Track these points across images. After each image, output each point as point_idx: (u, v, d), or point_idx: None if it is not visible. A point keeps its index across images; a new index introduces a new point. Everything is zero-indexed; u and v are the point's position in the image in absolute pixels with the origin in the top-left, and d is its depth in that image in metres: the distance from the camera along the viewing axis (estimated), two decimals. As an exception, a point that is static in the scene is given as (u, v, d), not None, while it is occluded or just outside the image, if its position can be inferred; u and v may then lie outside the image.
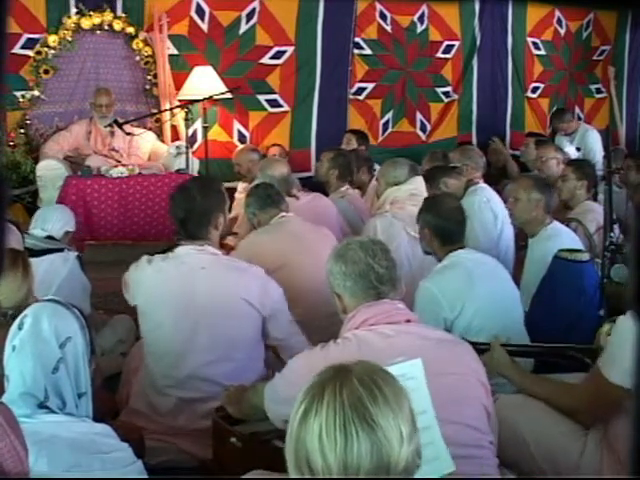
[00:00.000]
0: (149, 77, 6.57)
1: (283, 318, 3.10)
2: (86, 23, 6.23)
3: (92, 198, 5.53)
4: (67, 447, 1.90)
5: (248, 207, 3.96)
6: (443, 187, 4.58)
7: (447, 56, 8.05)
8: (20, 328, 2.01)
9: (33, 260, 3.11)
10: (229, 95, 6.42)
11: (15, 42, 5.93)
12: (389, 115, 7.80)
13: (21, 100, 6.09)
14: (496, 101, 8.39)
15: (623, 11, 8.42)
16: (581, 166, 4.95)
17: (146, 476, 2.09)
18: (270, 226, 3.85)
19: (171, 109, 6.32)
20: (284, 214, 3.88)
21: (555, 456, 2.57)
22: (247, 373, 2.98)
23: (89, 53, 6.40)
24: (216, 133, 6.90)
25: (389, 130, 7.83)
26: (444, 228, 3.34)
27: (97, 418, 2.09)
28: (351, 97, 7.56)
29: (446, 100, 8.09)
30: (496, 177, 6.68)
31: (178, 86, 6.52)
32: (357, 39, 7.47)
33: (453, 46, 8.05)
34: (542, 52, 8.64)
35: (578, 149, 6.91)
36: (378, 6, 7.57)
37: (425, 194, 4.19)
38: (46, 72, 6.19)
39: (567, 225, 4.27)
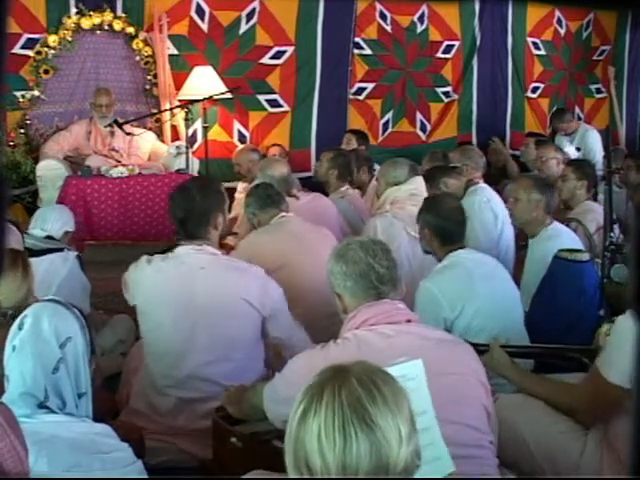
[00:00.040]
0: (149, 77, 6.57)
1: (283, 318, 3.10)
2: (86, 23, 6.23)
3: (92, 198, 5.53)
4: (67, 447, 1.90)
5: (248, 207, 3.96)
6: (443, 187, 4.58)
7: (447, 56, 8.05)
8: (20, 328, 2.01)
9: (33, 260, 3.12)
10: (229, 95, 6.42)
11: (15, 42, 5.93)
12: (389, 115, 7.80)
13: (21, 100, 6.09)
14: (496, 101, 8.39)
15: (623, 11, 8.43)
16: (581, 166, 4.95)
17: (146, 476, 2.09)
18: (270, 226, 3.85)
19: (171, 109, 6.32)
20: (284, 214, 3.88)
21: (555, 456, 2.57)
22: (247, 373, 2.98)
23: (89, 53, 6.40)
24: (216, 133, 6.90)
25: (389, 130, 7.83)
26: (444, 228, 3.34)
27: (97, 418, 2.09)
28: (351, 97, 7.56)
29: (446, 100, 8.09)
30: (496, 177, 6.68)
31: (178, 86, 6.52)
32: (357, 39, 7.47)
33: (453, 46, 8.05)
34: (542, 52, 8.65)
35: (578, 149, 6.91)
36: (378, 6, 7.57)
37: (425, 194, 4.19)
38: (46, 72, 6.19)
39: (567, 225, 4.27)
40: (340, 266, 2.23)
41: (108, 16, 6.28)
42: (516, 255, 4.67)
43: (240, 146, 6.63)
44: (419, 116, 7.97)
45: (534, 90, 8.65)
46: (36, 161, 5.95)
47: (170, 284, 3.04)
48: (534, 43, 8.58)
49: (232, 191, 5.53)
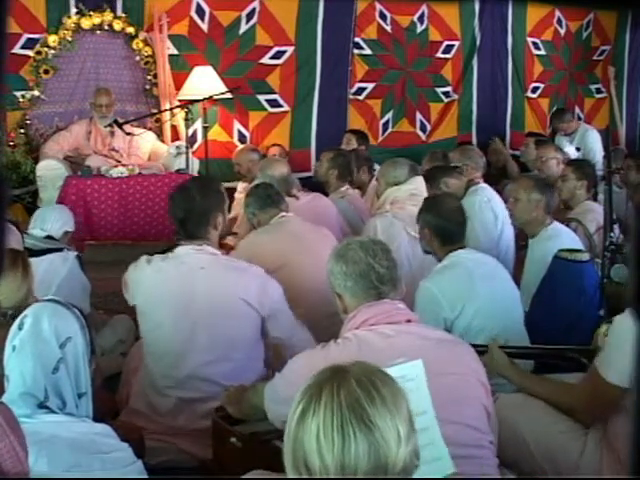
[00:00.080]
0: (149, 77, 6.57)
1: (283, 318, 3.10)
2: (86, 23, 6.23)
3: (92, 198, 5.53)
4: (67, 447, 1.90)
5: (248, 207, 3.96)
6: (444, 187, 4.57)
7: (447, 56, 8.05)
8: (20, 328, 2.01)
9: (33, 260, 3.12)
10: (229, 95, 6.42)
11: (15, 42, 5.93)
12: (389, 115, 7.80)
13: (21, 100, 6.09)
14: (496, 101, 8.39)
15: (623, 11, 8.42)
16: (581, 166, 4.95)
17: (146, 476, 2.09)
18: (270, 226, 3.85)
19: (171, 109, 6.32)
20: (284, 214, 3.88)
21: (555, 455, 2.57)
22: (247, 373, 2.98)
23: (89, 53, 6.40)
24: (216, 133, 6.90)
25: (389, 130, 7.83)
26: (444, 228, 3.34)
27: (97, 418, 2.09)
28: (351, 97, 7.56)
29: (446, 100, 8.09)
30: (496, 177, 6.68)
31: (178, 86, 6.52)
32: (357, 39, 7.47)
33: (453, 46, 8.05)
34: (542, 52, 8.64)
35: (578, 149, 6.91)
36: (378, 6, 7.57)
37: (425, 194, 4.19)
38: (46, 72, 6.19)
39: (567, 225, 4.27)
40: (340, 266, 2.23)
41: (108, 16, 6.28)
42: (516, 255, 4.67)
43: (240, 146, 6.63)
44: (419, 116, 7.97)
45: (534, 90, 8.65)
46: (36, 161, 5.95)
47: (170, 284, 3.04)
48: (534, 43, 8.58)
49: (232, 191, 5.53)
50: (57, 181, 5.64)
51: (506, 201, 4.46)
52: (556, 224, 4.02)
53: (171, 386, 3.04)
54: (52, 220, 4.08)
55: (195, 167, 6.12)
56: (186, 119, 5.95)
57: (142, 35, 6.46)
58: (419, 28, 7.83)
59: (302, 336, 3.13)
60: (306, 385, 1.38)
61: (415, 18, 7.80)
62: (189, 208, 3.08)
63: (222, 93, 6.29)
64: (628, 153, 7.03)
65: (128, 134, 6.08)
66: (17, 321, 2.05)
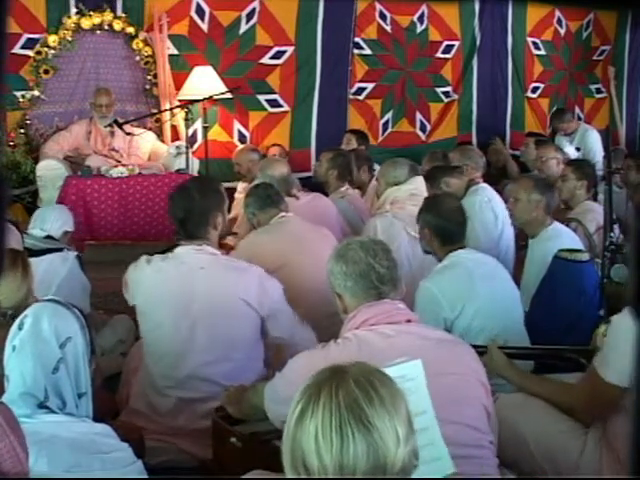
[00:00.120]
0: (149, 77, 6.58)
1: (283, 317, 3.10)
2: (86, 23, 6.23)
3: (92, 198, 5.53)
4: (67, 447, 1.90)
5: (248, 207, 3.96)
6: (444, 187, 4.57)
7: (447, 56, 8.05)
8: (20, 328, 2.01)
9: (32, 260, 3.11)
10: (229, 95, 6.42)
11: (15, 42, 5.93)
12: (389, 115, 7.80)
13: (21, 100, 6.09)
14: (496, 101, 8.39)
15: (623, 11, 8.42)
16: (581, 166, 4.95)
17: (146, 476, 2.09)
18: (270, 226, 3.85)
19: (171, 109, 6.32)
20: (284, 214, 3.88)
21: (555, 455, 2.57)
22: (246, 373, 2.98)
23: (89, 53, 6.41)
24: (216, 133, 6.90)
25: (389, 130, 7.83)
26: (444, 228, 3.34)
27: (97, 418, 2.09)
28: (351, 97, 7.56)
29: (446, 100, 8.09)
30: (496, 177, 6.68)
31: (178, 86, 6.52)
32: (357, 39, 7.48)
33: (453, 46, 8.05)
34: (542, 52, 8.65)
35: (578, 149, 6.91)
36: (378, 6, 7.57)
37: (425, 194, 4.18)
38: (46, 72, 6.19)
39: (567, 225, 4.27)
40: (340, 266, 2.23)
41: (108, 16, 6.29)
42: (516, 255, 4.67)
43: (240, 146, 6.63)
44: (419, 116, 7.97)
45: (534, 90, 8.65)
46: (36, 161, 5.95)
47: (170, 284, 3.04)
48: (534, 43, 8.58)
49: (232, 191, 5.53)
50: (57, 181, 5.64)
51: (506, 201, 4.46)
52: (556, 224, 4.02)
53: (171, 386, 3.04)
54: (52, 220, 4.07)
55: (195, 167, 6.12)
56: (186, 119, 5.95)
57: (142, 35, 6.46)
58: (419, 28, 7.83)
59: (303, 335, 3.13)
60: (305, 385, 1.38)
61: (415, 18, 7.80)
62: (189, 208, 3.08)
63: (222, 93, 6.29)
64: (628, 153, 7.03)
65: (128, 134, 6.08)
66: (17, 321, 2.05)
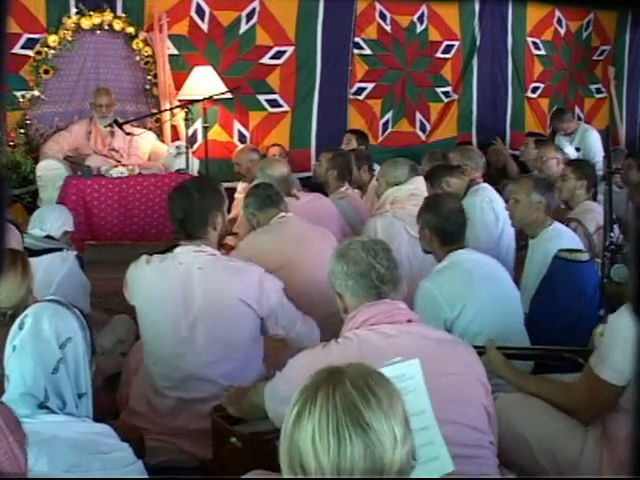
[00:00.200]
0: (149, 77, 6.58)
1: (283, 315, 3.09)
2: (86, 23, 6.23)
3: (92, 198, 5.53)
4: (67, 447, 1.90)
5: (247, 207, 3.95)
6: (445, 186, 4.57)
7: (447, 56, 8.05)
8: (21, 328, 2.01)
9: (32, 260, 3.11)
10: (229, 95, 6.42)
11: (15, 42, 5.93)
12: (389, 115, 7.80)
13: (21, 100, 6.09)
14: (496, 101, 8.39)
15: (623, 11, 8.42)
16: (581, 166, 4.95)
17: (146, 476, 2.08)
18: (270, 226, 3.85)
19: (171, 109, 6.32)
20: (284, 214, 3.88)
21: (555, 454, 2.57)
22: (246, 372, 2.98)
23: (89, 53, 6.41)
24: (216, 133, 6.90)
25: (389, 130, 7.83)
26: (444, 228, 3.34)
27: (97, 418, 2.09)
28: (351, 97, 7.56)
29: (446, 100, 8.09)
30: (496, 177, 6.67)
31: (178, 86, 6.53)
32: (357, 39, 7.48)
33: (453, 46, 8.05)
34: (542, 52, 8.65)
35: (578, 149, 6.91)
36: (378, 6, 7.57)
37: (425, 194, 4.18)
38: (46, 72, 6.19)
39: (567, 225, 4.26)
40: (341, 266, 2.23)
41: (108, 16, 6.29)
42: (516, 255, 4.66)
43: (240, 146, 6.63)
44: (419, 116, 7.97)
45: (534, 90, 8.66)
46: (36, 161, 5.95)
47: (169, 284, 3.04)
48: (534, 43, 8.58)
49: (232, 191, 5.53)
50: (57, 181, 5.64)
51: (507, 201, 4.45)
52: (556, 224, 4.01)
53: (171, 386, 3.04)
54: (51, 220, 4.07)
55: (195, 167, 6.12)
56: (186, 119, 5.95)
57: (142, 35, 6.46)
58: (419, 28, 7.84)
59: (302, 329, 3.14)
60: (302, 386, 1.38)
61: (415, 18, 7.81)
62: (188, 208, 3.07)
63: (222, 93, 6.29)
64: (628, 153, 7.02)
65: (128, 134, 6.08)
66: (17, 321, 2.05)
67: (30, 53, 6.10)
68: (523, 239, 4.35)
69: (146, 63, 6.53)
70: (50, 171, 5.77)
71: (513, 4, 8.09)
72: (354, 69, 7.52)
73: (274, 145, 6.99)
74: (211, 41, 6.80)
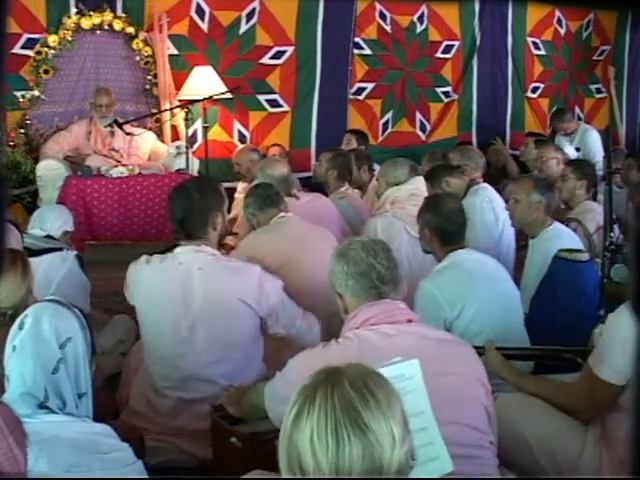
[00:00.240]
0: (149, 77, 6.58)
1: (283, 315, 3.09)
2: (86, 23, 6.23)
3: (92, 198, 5.53)
4: (67, 447, 1.90)
5: (247, 207, 3.95)
6: (445, 186, 4.56)
7: (447, 56, 8.05)
8: (21, 328, 2.01)
9: (32, 260, 3.11)
10: (229, 95, 6.42)
11: (15, 42, 5.93)
12: (389, 115, 7.80)
13: (21, 100, 6.09)
14: (496, 101, 8.39)
15: (623, 11, 8.42)
16: (581, 166, 4.95)
17: (146, 476, 2.08)
18: (270, 226, 3.85)
19: (171, 109, 6.32)
20: (284, 214, 3.88)
21: (555, 454, 2.57)
22: (246, 372, 2.98)
23: (89, 53, 6.41)
24: (216, 133, 6.90)
25: (389, 130, 7.83)
26: (444, 228, 3.34)
27: (97, 418, 2.09)
28: (351, 97, 7.57)
29: (446, 100, 8.09)
30: (496, 177, 6.67)
31: (178, 86, 6.53)
32: (357, 39, 7.48)
33: (453, 46, 8.05)
34: (542, 52, 8.65)
35: (578, 149, 6.91)
36: (378, 6, 7.57)
37: (425, 194, 4.18)
38: (46, 72, 6.19)
39: (567, 225, 4.26)
40: (341, 266, 2.23)
41: (108, 16, 6.29)
42: (516, 255, 4.66)
43: (240, 146, 6.63)
44: (419, 116, 7.97)
45: (534, 90, 8.65)
46: (36, 161, 5.95)
47: (168, 284, 3.04)
48: (534, 43, 8.58)
49: (232, 191, 5.53)
50: (57, 181, 5.64)
51: (507, 201, 4.45)
52: (557, 225, 4.01)
53: (171, 386, 3.04)
54: (51, 220, 4.07)
55: (195, 167, 6.12)
56: (186, 119, 5.95)
57: (142, 35, 6.46)
58: (419, 28, 7.84)
59: (303, 325, 3.14)
60: (301, 387, 1.38)
61: (415, 18, 7.81)
62: (188, 208, 3.07)
63: (222, 93, 6.29)
64: (628, 153, 7.02)
65: (128, 134, 6.08)
66: (17, 321, 2.05)
67: (30, 53, 6.10)
68: (523, 239, 4.35)
69: (146, 63, 6.53)
70: (50, 171, 5.77)
71: (513, 4, 8.09)
72: (354, 69, 7.52)
73: (274, 145, 6.99)
74: (211, 41, 6.80)
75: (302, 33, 7.14)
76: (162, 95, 6.50)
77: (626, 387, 2.37)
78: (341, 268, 2.23)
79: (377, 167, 5.59)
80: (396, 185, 4.39)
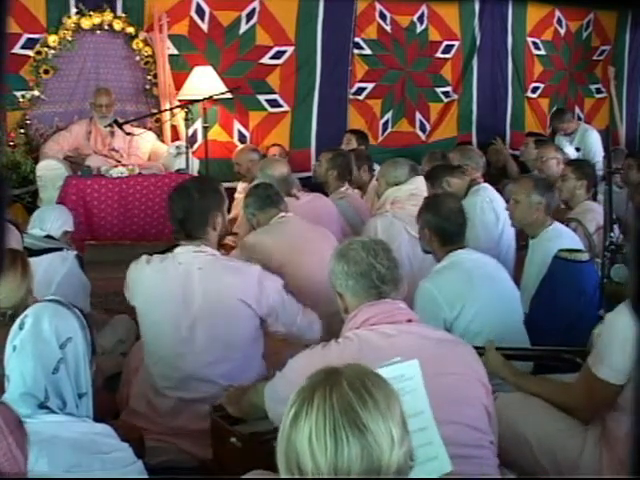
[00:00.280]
0: (149, 77, 6.58)
1: (283, 314, 3.09)
2: (86, 23, 6.23)
3: (92, 198, 5.53)
4: (67, 447, 1.90)
5: (247, 207, 3.96)
6: (446, 186, 4.56)
7: (447, 56, 8.05)
8: (21, 328, 2.01)
9: (32, 260, 3.11)
10: (229, 95, 6.42)
11: (15, 42, 5.93)
12: (389, 115, 7.80)
13: (21, 100, 6.09)
14: (496, 101, 8.39)
15: (623, 11, 8.42)
16: (581, 166, 4.95)
17: (146, 476, 2.09)
18: (270, 226, 3.85)
19: (171, 109, 6.32)
20: (283, 214, 3.88)
21: (556, 454, 2.57)
22: (246, 372, 2.98)
23: (89, 53, 6.41)
24: (216, 133, 6.90)
25: (389, 130, 7.83)
26: (444, 228, 3.34)
27: (97, 418, 2.09)
28: (351, 97, 7.56)
29: (446, 100, 8.09)
30: (496, 177, 6.67)
31: (178, 86, 6.53)
32: (357, 39, 7.48)
33: (453, 46, 8.05)
34: (542, 52, 8.65)
35: (578, 149, 6.91)
36: (378, 6, 7.58)
37: (425, 194, 4.18)
38: (46, 72, 6.19)
39: (567, 225, 4.26)
40: (342, 265, 2.23)
41: (108, 16, 6.29)
42: (516, 255, 4.66)
43: (240, 146, 6.63)
44: (419, 116, 7.97)
45: (534, 90, 8.66)
46: (36, 161, 5.95)
47: (168, 284, 3.04)
48: (534, 43, 8.58)
49: (232, 191, 5.53)
50: (57, 181, 5.64)
51: (507, 201, 4.45)
52: (557, 225, 4.01)
53: (171, 386, 3.04)
54: (51, 220, 4.07)
55: (195, 167, 6.12)
56: (186, 119, 5.95)
57: (142, 35, 6.46)
58: (419, 28, 7.84)
59: (303, 322, 3.14)
60: (299, 387, 1.38)
61: (415, 18, 7.81)
62: (188, 208, 3.07)
63: (222, 93, 6.29)
64: (628, 153, 7.02)
65: (128, 134, 6.08)
66: (18, 321, 2.05)
67: (30, 53, 6.10)
68: (523, 239, 4.35)
69: (146, 63, 6.53)
70: (50, 171, 5.77)
71: (513, 4, 8.09)
72: (354, 69, 7.52)
73: (274, 145, 6.99)
74: (211, 41, 6.80)
75: (302, 33, 7.14)
76: (162, 95, 6.50)
77: (625, 386, 2.37)
78: (341, 268, 2.23)
79: (377, 167, 5.59)
80: (396, 185, 4.39)
